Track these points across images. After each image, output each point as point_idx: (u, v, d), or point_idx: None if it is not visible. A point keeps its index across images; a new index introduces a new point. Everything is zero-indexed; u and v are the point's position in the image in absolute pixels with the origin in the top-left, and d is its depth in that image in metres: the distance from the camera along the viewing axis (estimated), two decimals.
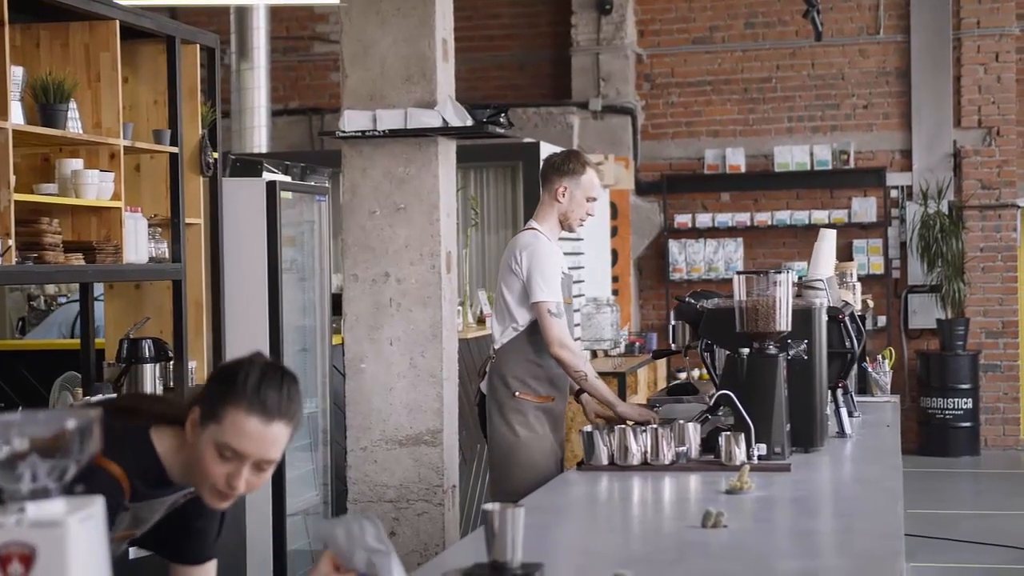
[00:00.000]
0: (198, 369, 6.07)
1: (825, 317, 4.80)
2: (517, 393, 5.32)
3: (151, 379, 5.60)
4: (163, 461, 2.75)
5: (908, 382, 12.77)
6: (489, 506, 2.78)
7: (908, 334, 12.85)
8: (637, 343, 11.07)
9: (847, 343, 5.11)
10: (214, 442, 2.66)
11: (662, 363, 11.07)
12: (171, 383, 5.83)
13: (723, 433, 4.30)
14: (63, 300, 8.93)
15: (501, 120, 5.82)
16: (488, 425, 5.42)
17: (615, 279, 12.32)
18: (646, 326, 12.94)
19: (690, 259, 13.04)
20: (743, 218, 12.94)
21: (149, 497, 2.79)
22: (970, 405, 12.34)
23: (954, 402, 12.30)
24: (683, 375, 10.98)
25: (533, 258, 5.25)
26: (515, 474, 5.25)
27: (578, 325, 10.09)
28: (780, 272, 4.49)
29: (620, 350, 10.63)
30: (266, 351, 6.40)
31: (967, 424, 12.35)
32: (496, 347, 5.43)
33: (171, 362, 5.82)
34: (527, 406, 5.33)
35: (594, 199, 5.46)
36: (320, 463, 7.07)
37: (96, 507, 1.86)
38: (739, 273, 4.53)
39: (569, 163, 5.44)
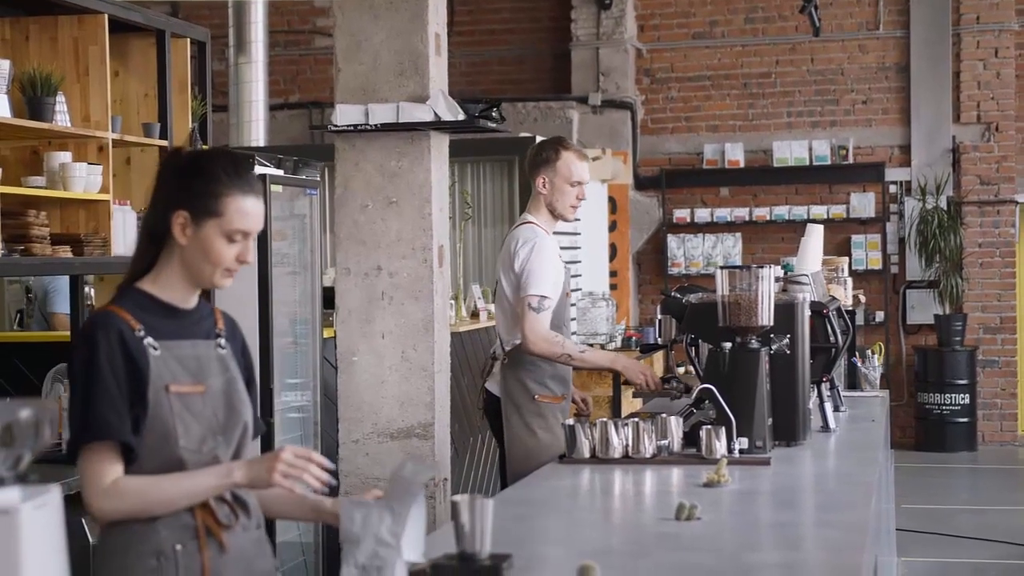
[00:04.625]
0: None
1: (808, 312, 4.81)
2: (537, 396, 5.28)
3: None
4: (154, 294, 3.01)
5: (906, 377, 12.78)
6: (457, 498, 2.80)
7: (906, 329, 12.86)
8: (635, 338, 11.05)
9: (831, 338, 5.12)
10: (221, 232, 2.93)
11: (660, 357, 11.06)
12: None
13: (704, 427, 4.31)
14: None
15: (493, 115, 5.80)
16: (505, 428, 5.37)
17: (613, 274, 12.33)
18: (645, 321, 12.93)
19: (689, 254, 13.05)
20: (742, 213, 12.95)
21: (168, 334, 2.96)
22: (967, 400, 12.34)
23: (951, 397, 12.31)
24: (681, 370, 10.94)
25: (532, 252, 5.22)
26: None
27: (574, 319, 10.11)
28: (763, 267, 4.50)
29: (616, 344, 10.63)
30: (256, 344, 6.47)
31: (964, 419, 12.35)
32: (507, 348, 5.36)
33: None
34: (547, 408, 5.29)
35: (578, 183, 5.37)
36: None
37: (51, 495, 1.89)
38: (722, 268, 4.54)
39: (542, 152, 5.39)
